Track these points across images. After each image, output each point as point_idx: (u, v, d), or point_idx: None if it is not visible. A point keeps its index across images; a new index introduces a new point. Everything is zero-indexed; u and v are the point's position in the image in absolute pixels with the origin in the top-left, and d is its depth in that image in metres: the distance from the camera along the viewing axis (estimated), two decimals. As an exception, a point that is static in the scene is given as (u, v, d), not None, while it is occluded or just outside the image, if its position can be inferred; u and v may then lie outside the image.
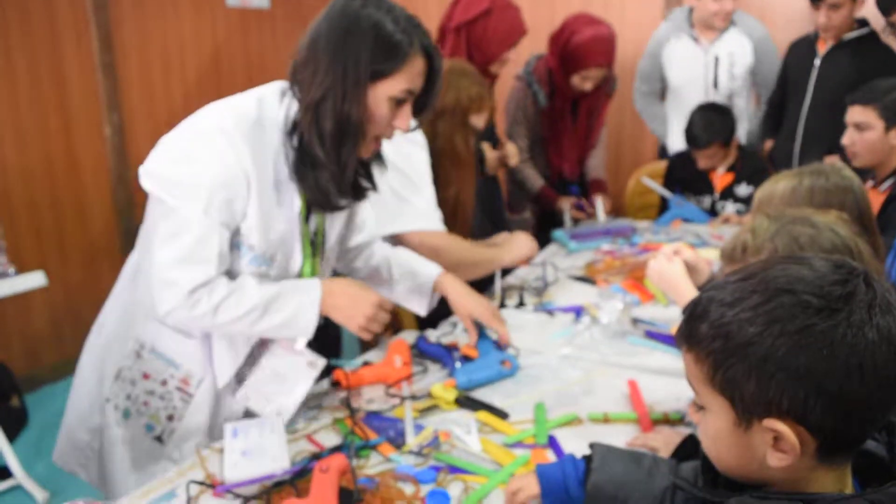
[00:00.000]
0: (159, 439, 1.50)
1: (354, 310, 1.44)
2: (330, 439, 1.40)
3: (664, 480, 1.08)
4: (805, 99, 3.09)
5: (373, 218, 1.76)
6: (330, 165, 1.38)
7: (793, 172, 1.49)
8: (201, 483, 1.22)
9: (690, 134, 2.99)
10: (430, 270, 1.76)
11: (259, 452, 1.28)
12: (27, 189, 3.32)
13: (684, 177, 3.13)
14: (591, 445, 1.15)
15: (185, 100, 3.90)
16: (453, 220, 2.13)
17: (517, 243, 2.12)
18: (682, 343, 0.80)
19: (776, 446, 0.74)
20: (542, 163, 3.05)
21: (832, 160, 2.73)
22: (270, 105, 1.41)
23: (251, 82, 4.17)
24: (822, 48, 3.04)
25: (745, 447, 0.76)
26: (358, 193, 1.51)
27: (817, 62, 3.04)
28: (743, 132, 3.37)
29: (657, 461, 1.12)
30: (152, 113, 3.78)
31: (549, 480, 1.11)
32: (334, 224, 1.58)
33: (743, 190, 3.03)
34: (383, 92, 1.35)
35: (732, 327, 0.73)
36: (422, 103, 1.43)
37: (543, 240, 2.55)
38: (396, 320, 2.24)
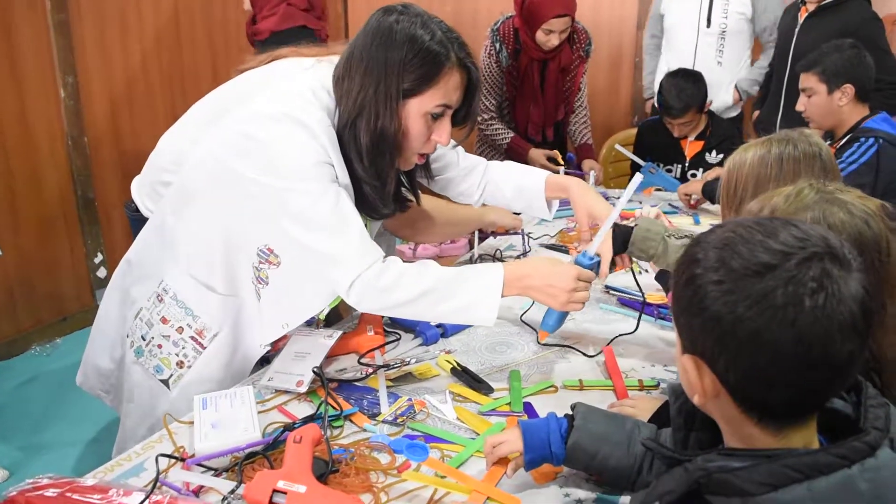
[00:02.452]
0: (165, 383, 1.53)
1: (554, 287, 1.36)
2: (302, 410, 1.37)
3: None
4: (787, 67, 3.09)
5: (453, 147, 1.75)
6: (370, 180, 1.40)
7: (761, 141, 1.48)
8: (170, 456, 1.18)
9: (664, 103, 2.98)
10: (536, 176, 1.72)
11: (230, 424, 1.25)
12: (-23, 155, 3.18)
13: (655, 144, 3.12)
14: (573, 406, 1.16)
15: (143, 60, 3.77)
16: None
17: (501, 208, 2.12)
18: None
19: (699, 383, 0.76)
20: (508, 124, 3.02)
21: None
22: (329, 104, 1.40)
23: (212, 41, 4.05)
24: (803, 15, 3.04)
25: (689, 379, 0.77)
26: (400, 204, 1.53)
27: (798, 30, 3.05)
28: (737, 81, 3.42)
29: (638, 425, 1.14)
30: (109, 75, 3.63)
31: (532, 436, 1.12)
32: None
33: (713, 157, 3.03)
34: (418, 107, 1.35)
35: (693, 262, 0.75)
36: (461, 116, 1.43)
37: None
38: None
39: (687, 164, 3.09)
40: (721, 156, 2.98)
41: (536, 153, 2.95)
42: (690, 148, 3.08)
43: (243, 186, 1.40)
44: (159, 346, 1.53)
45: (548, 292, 1.37)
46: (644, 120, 3.37)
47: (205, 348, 1.52)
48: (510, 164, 1.79)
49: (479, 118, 2.97)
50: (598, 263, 1.46)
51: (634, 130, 3.35)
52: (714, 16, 3.33)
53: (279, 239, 1.44)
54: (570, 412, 1.15)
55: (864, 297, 0.70)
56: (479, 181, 1.76)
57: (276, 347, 1.59)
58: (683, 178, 3.02)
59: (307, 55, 1.59)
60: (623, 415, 1.22)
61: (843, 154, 2.13)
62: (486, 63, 2.92)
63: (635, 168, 3.14)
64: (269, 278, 1.47)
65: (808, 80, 2.31)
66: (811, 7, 3.03)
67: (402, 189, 1.58)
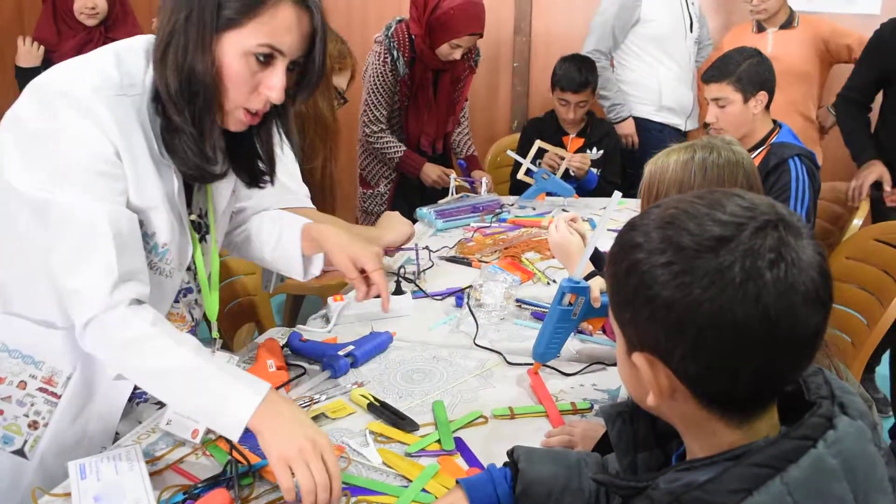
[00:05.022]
0: (20, 453, 1.27)
1: (290, 437, 1.07)
2: (202, 468, 1.18)
3: None
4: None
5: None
6: (186, 127, 1.15)
7: (684, 146, 1.45)
8: (46, 548, 0.97)
9: (567, 79, 2.99)
10: (293, 224, 1.47)
11: (117, 495, 1.07)
12: None
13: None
14: (511, 451, 1.07)
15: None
16: (322, 196, 1.95)
17: (395, 222, 1.97)
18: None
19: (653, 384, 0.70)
20: (399, 135, 2.90)
21: None
22: (135, 65, 1.17)
23: None
24: None
25: (637, 379, 0.72)
26: (253, 178, 1.31)
27: None
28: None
29: (583, 457, 1.06)
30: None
31: (478, 494, 1.01)
32: (220, 204, 1.38)
33: (594, 153, 3.08)
34: (235, 44, 1.11)
35: (633, 247, 0.69)
36: (303, 72, 1.19)
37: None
38: (258, 320, 2.02)
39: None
40: (601, 151, 3.06)
41: (431, 168, 2.86)
42: (573, 144, 3.14)
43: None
44: (0, 413, 1.26)
45: (280, 436, 1.08)
46: (526, 120, 3.37)
47: (59, 397, 1.25)
48: (281, 212, 1.54)
49: (368, 130, 2.82)
50: (586, 289, 1.38)
51: (517, 136, 3.32)
52: (694, 22, 3.33)
53: None
54: (509, 458, 1.06)
55: (821, 263, 0.66)
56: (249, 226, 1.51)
57: None
58: (566, 174, 3.01)
59: None
60: (564, 450, 1.14)
61: (790, 185, 2.11)
62: (380, 71, 2.76)
63: (516, 173, 3.11)
64: None
65: (721, 91, 2.28)
66: None
67: (258, 162, 1.32)
